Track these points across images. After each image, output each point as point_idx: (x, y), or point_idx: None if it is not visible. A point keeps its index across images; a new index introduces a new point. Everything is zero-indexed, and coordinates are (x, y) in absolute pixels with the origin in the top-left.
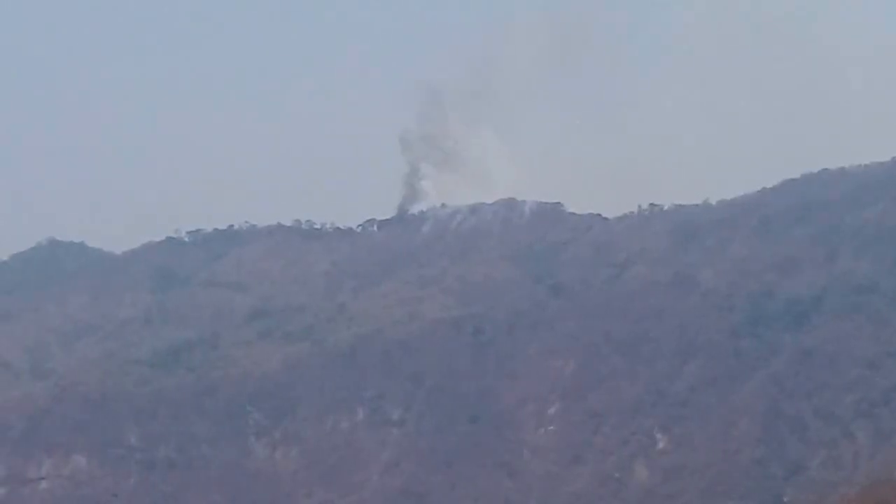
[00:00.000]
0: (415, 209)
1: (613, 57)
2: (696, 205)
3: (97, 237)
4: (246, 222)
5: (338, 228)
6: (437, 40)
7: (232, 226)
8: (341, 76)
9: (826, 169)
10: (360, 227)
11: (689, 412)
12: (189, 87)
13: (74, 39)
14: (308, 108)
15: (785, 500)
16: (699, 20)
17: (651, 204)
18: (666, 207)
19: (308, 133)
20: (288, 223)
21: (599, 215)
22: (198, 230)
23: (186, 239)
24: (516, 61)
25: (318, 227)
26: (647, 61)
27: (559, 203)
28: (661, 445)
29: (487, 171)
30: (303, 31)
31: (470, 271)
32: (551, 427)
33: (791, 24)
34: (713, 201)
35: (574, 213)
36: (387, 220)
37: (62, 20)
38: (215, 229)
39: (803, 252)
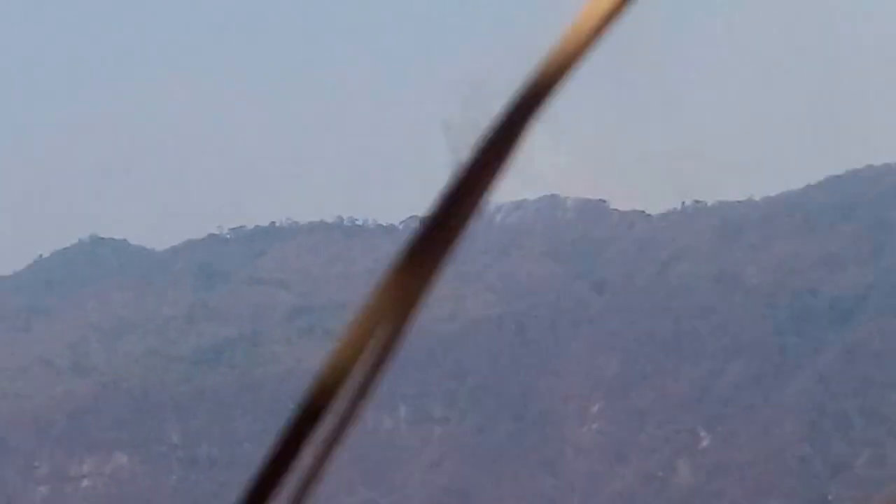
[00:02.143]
0: None
1: (660, 51)
2: (740, 201)
3: (139, 234)
4: (288, 219)
5: (379, 225)
6: (482, 32)
7: (274, 223)
8: (387, 68)
9: (871, 165)
10: (402, 224)
11: (733, 410)
12: (231, 82)
13: (114, 33)
14: (352, 101)
15: (829, 498)
16: (746, 12)
17: (695, 200)
18: (710, 204)
19: (351, 126)
20: (330, 220)
21: (643, 212)
22: (240, 227)
23: (228, 236)
24: None
25: (359, 223)
26: (693, 55)
27: (602, 199)
28: (704, 444)
29: (531, 166)
30: (346, 19)
31: (512, 268)
32: (594, 425)
33: (839, 16)
34: (757, 198)
35: (617, 210)
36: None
37: (110, 13)
38: (257, 226)
39: (848, 249)
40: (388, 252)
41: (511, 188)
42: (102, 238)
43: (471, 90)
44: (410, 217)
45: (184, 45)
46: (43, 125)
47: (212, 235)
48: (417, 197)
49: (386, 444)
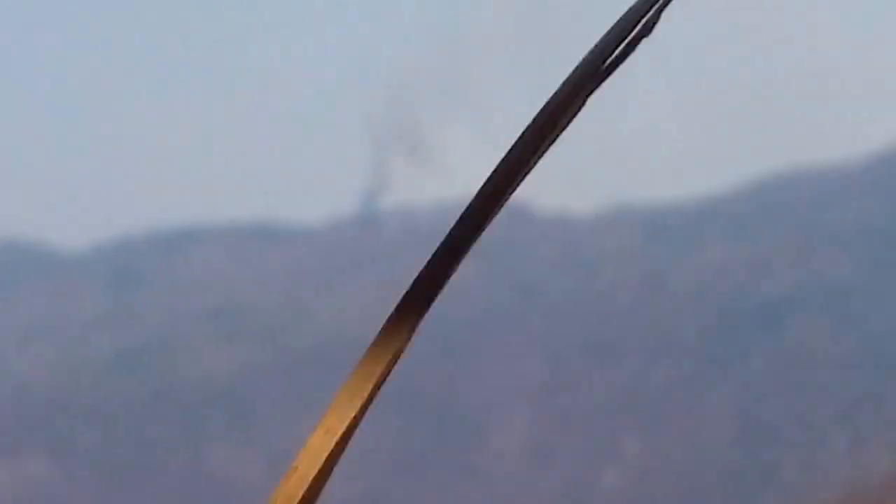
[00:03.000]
0: (379, 204)
1: (586, 42)
2: (668, 202)
3: (52, 235)
4: (204, 220)
5: (298, 227)
6: (407, 22)
7: (190, 224)
8: (305, 60)
9: (802, 167)
10: (323, 225)
11: (660, 416)
12: (144, 73)
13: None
14: (269, 95)
15: None
16: (679, 9)
17: (621, 201)
18: (637, 205)
19: (269, 123)
20: (248, 221)
21: (567, 213)
22: (155, 228)
23: (143, 237)
24: (487, 47)
25: (278, 224)
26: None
27: (526, 200)
28: (630, 450)
29: (451, 164)
30: (265, 7)
31: None
32: (518, 431)
33: (774, 15)
34: (685, 199)
35: (542, 211)
36: (349, 219)
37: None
38: (173, 227)
39: (778, 252)
40: (307, 254)
41: (433, 190)
42: (12, 240)
43: (394, 83)
44: (331, 218)
45: (94, 34)
46: None
47: (125, 236)
48: (337, 197)
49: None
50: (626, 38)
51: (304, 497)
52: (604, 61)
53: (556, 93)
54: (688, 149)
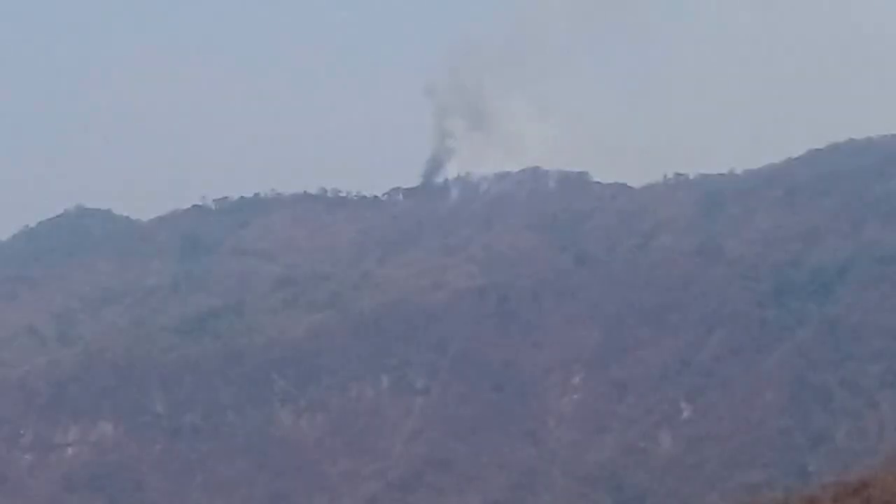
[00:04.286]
0: (442, 171)
1: (644, 25)
2: (722, 174)
3: (124, 204)
4: (272, 190)
5: (363, 196)
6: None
7: (258, 194)
8: (370, 35)
9: (853, 139)
10: (386, 195)
11: (714, 382)
12: (214, 53)
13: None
14: (335, 70)
15: (809, 469)
16: None
17: (676, 173)
18: (692, 177)
19: (334, 96)
20: (313, 191)
21: (625, 184)
22: (224, 198)
23: (213, 207)
24: (552, 23)
25: (343, 195)
26: (677, 29)
27: (585, 172)
28: (685, 415)
29: (514, 138)
30: None
31: (495, 240)
32: (576, 396)
33: None
34: (739, 171)
35: (599, 182)
36: (412, 188)
37: None
38: (241, 197)
39: (829, 222)
40: (371, 224)
41: (494, 160)
42: (88, 208)
43: (458, 54)
44: (394, 188)
45: (162, 12)
46: (26, 96)
47: (196, 206)
48: (401, 168)
49: (368, 415)
50: None
51: None
52: None
53: None
54: (740, 121)
